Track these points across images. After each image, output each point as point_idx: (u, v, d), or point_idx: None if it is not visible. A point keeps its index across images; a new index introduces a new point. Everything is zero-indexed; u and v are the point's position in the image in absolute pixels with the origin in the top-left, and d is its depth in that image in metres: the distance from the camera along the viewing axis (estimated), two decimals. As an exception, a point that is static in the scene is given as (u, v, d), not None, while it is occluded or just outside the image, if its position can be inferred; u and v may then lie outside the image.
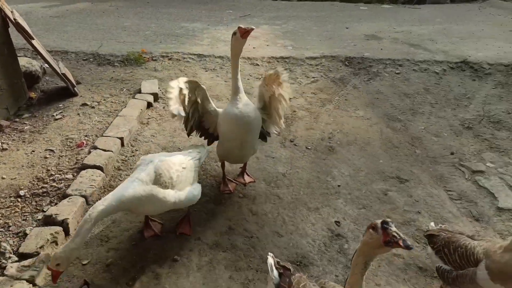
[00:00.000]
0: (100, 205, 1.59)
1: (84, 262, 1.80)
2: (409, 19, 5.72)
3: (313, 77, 3.81)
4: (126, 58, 4.04)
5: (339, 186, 2.38)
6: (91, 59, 4.07)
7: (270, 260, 1.49)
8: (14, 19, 2.89)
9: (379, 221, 1.04)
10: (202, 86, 2.03)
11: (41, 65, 3.50)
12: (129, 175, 2.37)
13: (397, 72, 3.93)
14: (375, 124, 3.07)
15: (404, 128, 3.03)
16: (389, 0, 8.47)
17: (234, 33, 1.87)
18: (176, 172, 1.78)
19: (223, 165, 2.31)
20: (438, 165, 2.61)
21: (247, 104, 1.97)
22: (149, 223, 1.98)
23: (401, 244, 0.99)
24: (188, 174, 1.85)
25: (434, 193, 2.35)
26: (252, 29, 1.82)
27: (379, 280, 1.79)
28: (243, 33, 1.83)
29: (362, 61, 4.09)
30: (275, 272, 1.45)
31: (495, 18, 5.83)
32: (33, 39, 3.02)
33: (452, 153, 2.72)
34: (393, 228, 1.02)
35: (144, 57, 4.08)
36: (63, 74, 3.23)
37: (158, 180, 1.71)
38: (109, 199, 1.62)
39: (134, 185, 1.68)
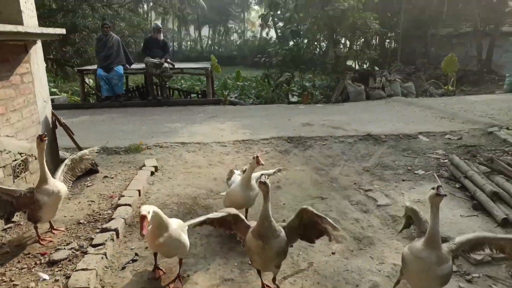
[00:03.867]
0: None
1: (133, 246, 2.98)
2: (334, 112, 7.81)
3: (266, 151, 5.42)
4: (128, 148, 5.50)
5: (284, 204, 3.78)
6: (102, 152, 5.47)
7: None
8: (63, 122, 4.38)
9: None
10: None
11: (70, 155, 4.87)
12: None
13: (323, 144, 5.65)
14: (308, 173, 4.61)
15: (326, 174, 4.58)
16: (322, 101, 10.96)
17: (253, 158, 2.89)
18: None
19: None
20: (346, 190, 4.10)
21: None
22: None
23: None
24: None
25: (342, 203, 3.79)
26: (262, 164, 2.90)
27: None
28: (257, 161, 2.87)
29: (299, 139, 5.82)
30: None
31: (394, 108, 8.08)
32: (74, 134, 4.48)
33: (355, 183, 4.25)
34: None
35: (142, 147, 5.57)
36: (90, 157, 4.62)
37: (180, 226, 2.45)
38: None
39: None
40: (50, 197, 2.93)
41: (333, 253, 2.92)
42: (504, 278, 2.59)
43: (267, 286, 2.48)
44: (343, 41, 21.26)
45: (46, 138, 2.96)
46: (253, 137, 5.86)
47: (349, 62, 20.50)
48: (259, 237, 2.25)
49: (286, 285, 2.55)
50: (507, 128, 5.71)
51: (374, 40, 21.90)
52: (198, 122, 7.06)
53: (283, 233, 2.31)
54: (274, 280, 2.45)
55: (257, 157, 2.91)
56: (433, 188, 2.06)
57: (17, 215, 3.28)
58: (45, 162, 2.98)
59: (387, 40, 22.04)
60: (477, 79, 14.83)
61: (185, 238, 2.46)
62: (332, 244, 3.05)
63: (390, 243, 3.05)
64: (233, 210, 2.48)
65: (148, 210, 2.11)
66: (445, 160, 4.74)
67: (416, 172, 4.50)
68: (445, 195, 2.04)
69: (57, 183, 3.05)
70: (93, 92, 11.03)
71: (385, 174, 4.49)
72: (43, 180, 2.96)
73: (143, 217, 2.05)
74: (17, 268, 2.69)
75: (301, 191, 4.10)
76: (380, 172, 4.58)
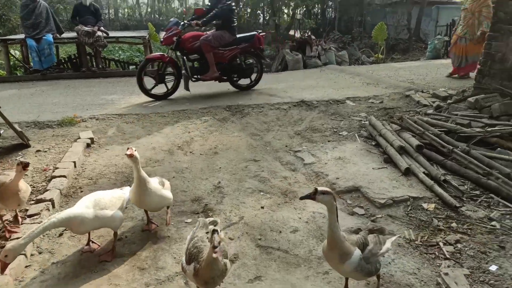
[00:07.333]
0: (53, 218, 2.15)
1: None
2: (272, 80, 8.09)
3: (204, 119, 5.57)
4: (61, 121, 5.35)
5: (220, 167, 4.02)
6: (33, 126, 5.28)
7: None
8: (-15, 95, 4.16)
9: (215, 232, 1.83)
10: None
11: (-2, 130, 4.66)
12: (83, 182, 3.71)
13: (260, 111, 5.92)
14: (244, 138, 4.87)
15: (261, 138, 4.88)
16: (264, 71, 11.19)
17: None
18: (108, 199, 2.52)
19: None
20: (278, 152, 4.44)
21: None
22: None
23: (214, 248, 1.77)
24: (116, 201, 2.55)
25: (273, 163, 4.13)
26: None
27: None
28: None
29: (237, 107, 6.03)
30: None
31: (328, 75, 8.55)
32: (0, 107, 4.28)
33: (286, 146, 4.60)
34: (216, 238, 1.80)
35: (76, 119, 5.44)
36: (21, 131, 4.47)
37: (97, 204, 2.41)
38: (60, 215, 2.19)
39: (81, 208, 2.35)
40: None
41: (262, 208, 3.24)
42: (401, 216, 3.09)
43: None
44: (286, 11, 21.44)
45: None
46: (192, 107, 5.97)
47: (292, 31, 20.84)
48: (205, 284, 1.98)
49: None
50: (422, 91, 6.39)
51: (316, 9, 22.33)
52: (136, 94, 6.96)
53: (228, 263, 2.10)
54: None
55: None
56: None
57: None
58: None
59: (329, 9, 22.57)
60: (407, 47, 15.92)
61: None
62: (262, 200, 3.38)
63: (311, 195, 3.44)
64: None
65: (7, 252, 1.97)
66: (366, 122, 5.25)
67: (340, 133, 4.95)
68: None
69: None
70: (21, 64, 10.23)
71: (314, 136, 4.89)
72: None
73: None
74: None
75: (237, 155, 4.36)
76: (310, 134, 4.97)
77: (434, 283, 2.30)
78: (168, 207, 3.06)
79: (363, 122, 5.26)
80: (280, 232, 2.88)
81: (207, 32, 6.47)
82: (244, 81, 7.11)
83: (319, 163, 4.05)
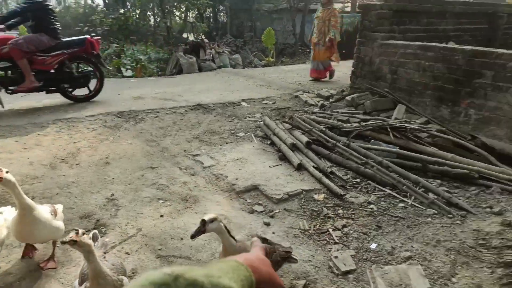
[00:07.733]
0: None
1: None
2: (167, 84, 7.88)
3: (93, 128, 5.13)
4: None
5: (113, 178, 3.74)
6: None
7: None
8: None
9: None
10: None
11: None
12: None
13: (155, 116, 5.70)
14: (139, 145, 4.63)
15: (158, 145, 4.70)
16: (158, 74, 10.83)
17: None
18: None
19: None
20: (177, 158, 4.34)
21: None
22: None
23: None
24: None
25: (172, 169, 4.01)
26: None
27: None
28: None
29: (130, 113, 5.70)
30: None
31: (223, 78, 8.69)
32: None
33: (184, 150, 4.52)
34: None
35: None
36: None
37: None
38: None
39: None
40: None
41: (161, 216, 3.12)
42: (296, 209, 3.30)
43: None
44: (177, 13, 21.11)
45: None
46: (78, 115, 5.43)
47: (185, 35, 20.63)
48: None
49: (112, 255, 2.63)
50: (308, 92, 6.95)
51: (207, 13, 22.48)
52: (7, 102, 6.03)
53: (125, 280, 2.00)
54: None
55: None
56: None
57: None
58: None
59: (220, 14, 22.95)
60: (294, 51, 17.17)
61: None
62: (161, 208, 3.26)
63: (212, 198, 3.46)
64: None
65: None
66: (261, 122, 5.48)
67: (237, 134, 5.08)
68: None
69: None
70: None
71: (212, 139, 4.91)
72: None
73: None
74: None
75: (132, 163, 4.12)
76: (208, 137, 4.98)
77: (327, 267, 2.51)
78: (54, 242, 2.54)
79: (258, 122, 5.48)
80: (182, 239, 2.82)
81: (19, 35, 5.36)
82: (82, 91, 6.22)
83: (219, 165, 4.08)
